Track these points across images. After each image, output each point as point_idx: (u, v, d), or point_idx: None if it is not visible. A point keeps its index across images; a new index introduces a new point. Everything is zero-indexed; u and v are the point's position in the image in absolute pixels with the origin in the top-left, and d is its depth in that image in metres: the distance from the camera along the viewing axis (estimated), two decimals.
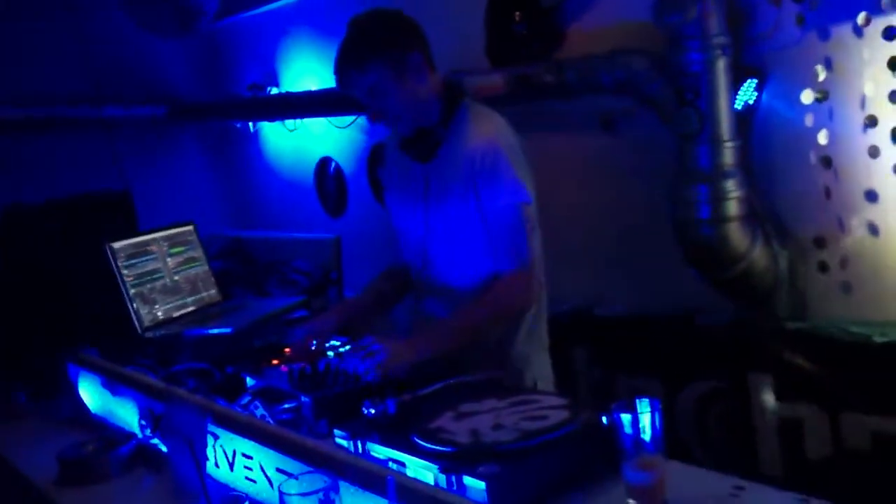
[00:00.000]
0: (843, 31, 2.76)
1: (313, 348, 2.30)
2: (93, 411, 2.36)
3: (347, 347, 2.33)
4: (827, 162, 2.87)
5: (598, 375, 3.41)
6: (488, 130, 2.20)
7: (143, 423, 2.02)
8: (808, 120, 2.90)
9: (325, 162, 5.41)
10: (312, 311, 3.09)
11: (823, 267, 2.95)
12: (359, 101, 2.28)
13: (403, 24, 2.24)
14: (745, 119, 3.03)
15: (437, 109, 2.25)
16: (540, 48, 3.63)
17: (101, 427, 2.26)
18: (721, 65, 2.89)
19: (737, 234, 2.95)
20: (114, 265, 2.61)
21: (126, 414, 2.15)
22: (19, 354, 2.67)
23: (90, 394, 2.36)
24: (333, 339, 2.47)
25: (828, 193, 2.88)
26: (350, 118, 4.95)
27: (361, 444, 1.67)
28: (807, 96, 2.89)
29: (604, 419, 1.56)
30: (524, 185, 2.16)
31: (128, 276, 2.65)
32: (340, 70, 2.21)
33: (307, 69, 5.31)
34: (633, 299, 3.47)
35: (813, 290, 3.01)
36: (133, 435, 2.08)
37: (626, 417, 1.42)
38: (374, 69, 2.17)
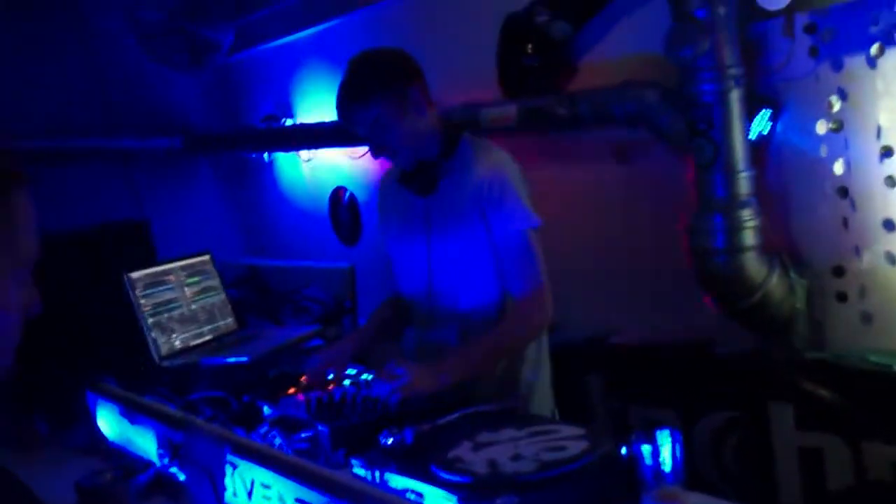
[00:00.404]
0: (857, 62, 2.77)
1: (330, 377, 2.32)
2: (111, 440, 2.36)
3: (366, 376, 2.35)
4: (843, 192, 2.87)
5: (613, 405, 3.39)
6: (493, 161, 2.27)
7: (162, 451, 2.02)
8: (823, 150, 2.90)
9: (339, 191, 5.44)
10: (327, 339, 3.10)
11: (842, 297, 2.94)
12: (360, 136, 2.32)
13: (402, 60, 2.31)
14: (760, 149, 3.03)
15: (436, 143, 2.31)
16: (552, 80, 3.65)
17: (120, 455, 2.26)
18: (734, 95, 2.90)
19: (753, 264, 2.94)
20: (131, 295, 2.63)
21: (144, 443, 2.15)
22: (38, 383, 2.68)
23: (108, 422, 2.36)
24: (349, 368, 2.48)
25: (845, 223, 2.88)
26: (364, 148, 4.97)
27: (379, 473, 1.67)
28: (821, 127, 2.89)
29: (623, 450, 1.56)
30: (530, 210, 2.24)
31: (145, 306, 2.66)
32: (343, 105, 2.27)
33: (321, 100, 5.35)
34: (649, 329, 3.46)
35: (831, 320, 2.99)
36: (151, 464, 2.08)
37: (646, 448, 1.42)
38: (376, 103, 2.22)
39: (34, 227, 1.19)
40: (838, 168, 2.88)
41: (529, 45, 3.67)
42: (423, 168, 2.32)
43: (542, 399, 2.39)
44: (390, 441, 1.75)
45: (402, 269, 2.48)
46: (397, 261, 2.49)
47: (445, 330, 2.37)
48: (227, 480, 1.73)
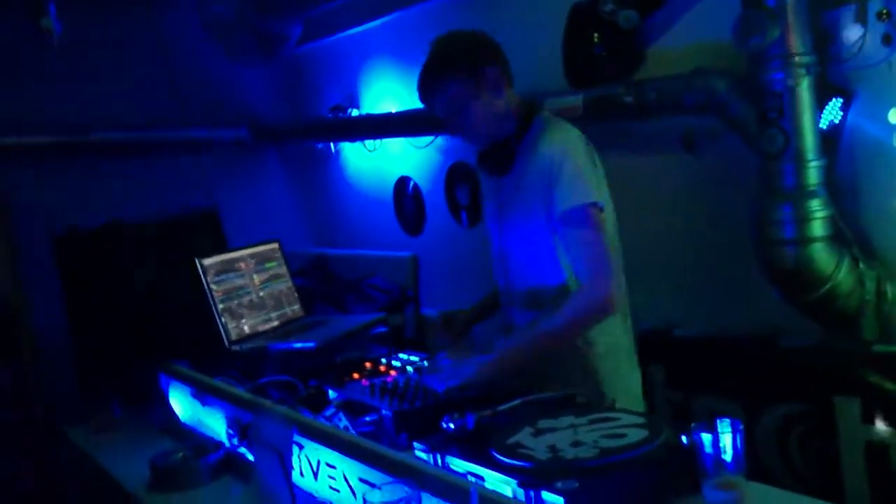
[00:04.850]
0: None
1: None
2: (183, 421, 2.44)
3: (427, 363, 2.38)
4: None
5: (678, 397, 3.37)
6: (558, 139, 2.22)
7: (231, 432, 2.09)
8: None
9: (403, 181, 5.49)
10: (391, 327, 3.14)
11: None
12: (438, 117, 2.36)
13: (479, 42, 2.33)
14: (831, 138, 2.98)
15: (512, 123, 2.30)
16: (619, 69, 3.63)
17: (191, 436, 2.34)
18: (805, 84, 2.86)
19: (822, 255, 2.89)
20: (204, 281, 2.70)
21: (214, 423, 2.22)
22: (115, 366, 2.78)
23: (180, 404, 2.44)
24: (412, 355, 2.52)
25: None
26: (428, 138, 5.02)
27: (441, 457, 1.70)
28: (894, 116, 2.83)
29: (684, 438, 1.56)
30: (591, 187, 2.15)
31: (217, 292, 2.73)
32: (421, 86, 2.33)
33: (387, 91, 5.41)
34: (716, 320, 3.43)
35: None
36: (221, 444, 2.15)
37: (706, 437, 1.42)
38: (449, 84, 2.27)
39: None
40: None
41: (596, 35, 3.65)
42: (497, 148, 2.32)
43: (624, 389, 2.29)
44: (452, 426, 1.78)
45: (489, 249, 2.49)
46: (488, 240, 2.50)
47: (519, 313, 2.38)
48: (294, 460, 1.79)
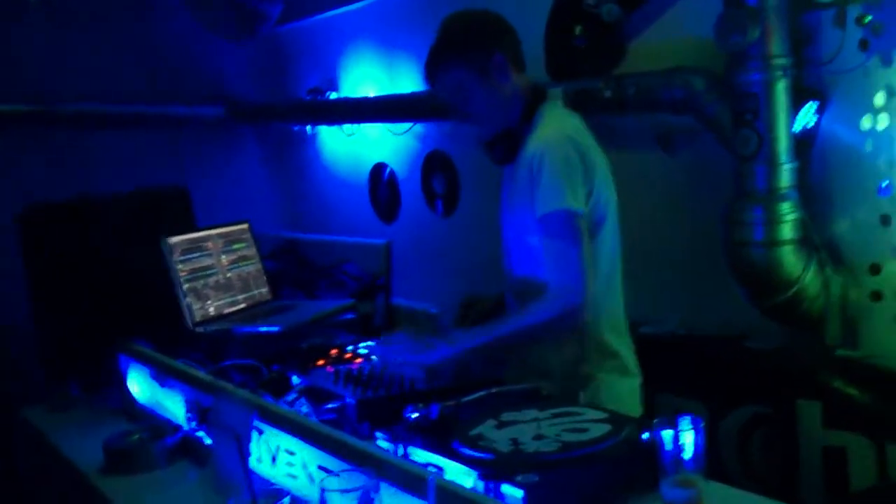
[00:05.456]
0: None
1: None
2: (141, 402, 2.41)
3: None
4: (886, 189, 2.83)
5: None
6: (546, 134, 2.16)
7: (190, 415, 2.06)
8: (868, 145, 2.86)
9: (379, 167, 5.46)
10: (360, 314, 3.12)
11: (876, 296, 2.90)
12: (445, 101, 2.31)
13: (489, 23, 2.27)
14: (804, 142, 2.99)
15: (518, 111, 2.24)
16: (600, 63, 3.62)
17: (149, 418, 2.31)
18: (781, 86, 2.86)
19: (790, 258, 2.91)
20: (169, 260, 2.66)
21: (173, 406, 2.19)
22: (73, 344, 2.73)
23: (139, 385, 2.41)
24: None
25: (885, 221, 2.84)
26: (406, 125, 5.00)
27: (402, 447, 1.68)
28: (867, 122, 2.85)
29: (645, 435, 1.56)
30: (566, 193, 2.08)
31: (182, 271, 2.69)
32: (427, 70, 2.26)
33: (366, 75, 5.37)
34: (683, 320, 3.44)
35: (865, 319, 2.95)
36: (179, 427, 2.12)
37: (667, 434, 1.42)
38: (455, 69, 2.21)
39: None
40: (882, 164, 2.83)
41: (578, 27, 3.64)
42: (501, 137, 2.25)
43: (613, 395, 2.23)
44: (415, 416, 1.77)
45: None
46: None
47: (514, 298, 2.35)
48: (253, 445, 1.76)
